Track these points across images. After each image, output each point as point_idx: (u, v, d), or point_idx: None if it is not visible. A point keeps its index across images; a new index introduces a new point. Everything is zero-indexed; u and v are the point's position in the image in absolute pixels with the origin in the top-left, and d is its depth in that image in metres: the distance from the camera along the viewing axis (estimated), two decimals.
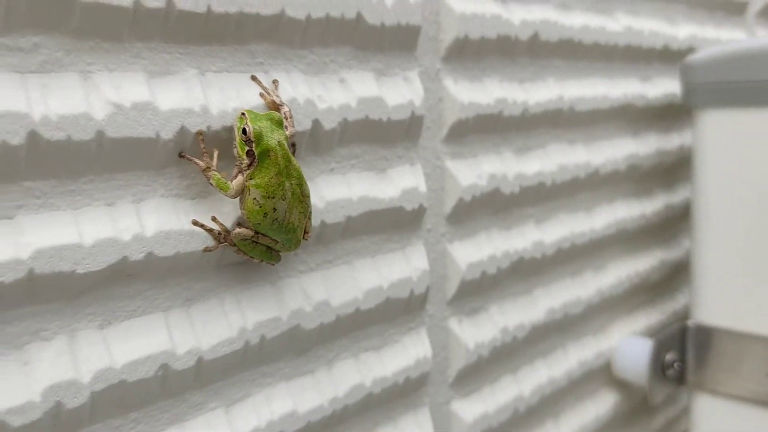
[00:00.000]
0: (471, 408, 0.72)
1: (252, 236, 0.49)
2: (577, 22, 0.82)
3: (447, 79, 0.68)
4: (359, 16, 0.58)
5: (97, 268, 0.43)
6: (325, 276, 0.58)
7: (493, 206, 0.73)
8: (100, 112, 0.43)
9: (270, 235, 0.50)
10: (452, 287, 0.70)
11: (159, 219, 0.46)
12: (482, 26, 0.69)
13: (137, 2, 0.44)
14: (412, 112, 0.63)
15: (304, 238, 0.53)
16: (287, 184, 0.49)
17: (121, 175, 0.45)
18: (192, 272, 0.50)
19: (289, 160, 0.49)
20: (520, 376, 0.79)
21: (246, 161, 0.48)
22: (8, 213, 0.41)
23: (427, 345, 0.67)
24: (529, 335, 0.78)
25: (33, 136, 0.40)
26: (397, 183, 0.63)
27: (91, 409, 0.44)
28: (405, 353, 0.65)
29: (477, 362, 0.72)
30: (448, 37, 0.67)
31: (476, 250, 0.72)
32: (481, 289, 0.73)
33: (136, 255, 0.45)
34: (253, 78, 0.52)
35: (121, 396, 0.45)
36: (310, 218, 0.53)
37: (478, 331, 0.72)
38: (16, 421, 0.40)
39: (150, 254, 0.46)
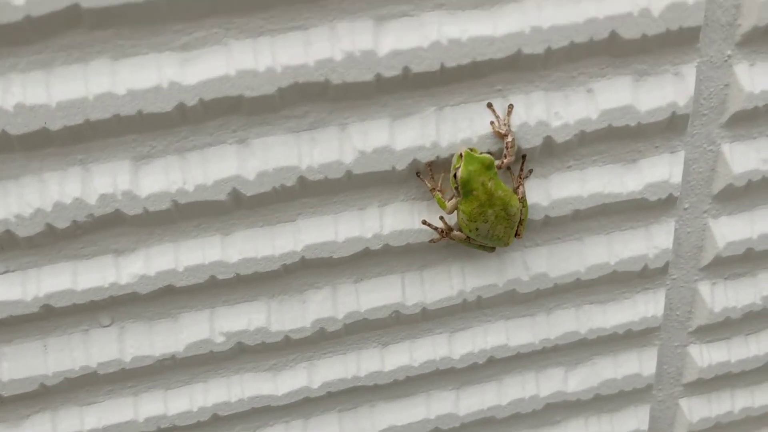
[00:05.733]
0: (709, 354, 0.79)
1: (465, 239, 0.64)
2: None
3: (740, 65, 0.64)
4: (613, 34, 0.59)
5: (347, 255, 0.64)
6: (550, 251, 0.69)
7: None
8: (349, 157, 0.60)
9: (478, 241, 0.63)
10: (708, 258, 0.73)
11: (395, 219, 0.64)
12: None
13: (378, 75, 0.57)
14: (673, 113, 0.64)
15: (517, 236, 0.64)
16: (489, 211, 0.60)
17: (370, 189, 0.63)
18: (427, 247, 0.67)
19: (491, 195, 0.60)
20: None
21: (455, 192, 0.61)
22: (292, 218, 0.63)
23: (660, 304, 0.74)
24: None
25: (302, 180, 0.60)
26: (644, 174, 0.67)
27: (345, 332, 0.68)
28: (634, 309, 0.74)
29: (724, 322, 0.76)
30: (746, 23, 0.62)
31: (747, 228, 0.71)
32: (745, 261, 0.74)
33: (375, 246, 0.64)
34: (489, 105, 0.61)
35: (364, 326, 0.68)
36: (521, 223, 0.64)
37: (734, 295, 0.75)
38: (297, 336, 0.66)
39: (386, 245, 0.64)
